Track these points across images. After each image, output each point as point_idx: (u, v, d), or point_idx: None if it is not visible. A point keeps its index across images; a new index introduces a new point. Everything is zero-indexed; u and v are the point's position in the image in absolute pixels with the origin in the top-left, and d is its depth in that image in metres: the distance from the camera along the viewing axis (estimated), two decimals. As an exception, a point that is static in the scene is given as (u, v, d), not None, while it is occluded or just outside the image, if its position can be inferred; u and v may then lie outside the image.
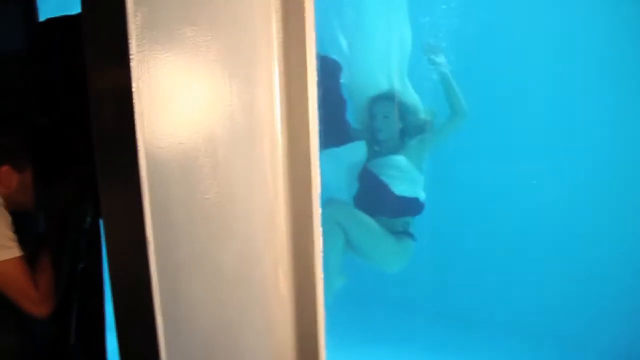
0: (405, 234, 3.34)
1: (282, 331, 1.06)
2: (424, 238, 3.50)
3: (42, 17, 1.96)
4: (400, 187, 3.27)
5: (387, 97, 3.27)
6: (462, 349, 4.48)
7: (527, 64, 5.03)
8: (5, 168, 1.50)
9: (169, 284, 0.86)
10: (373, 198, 3.38)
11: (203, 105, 0.91)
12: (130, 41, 0.80)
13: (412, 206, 3.33)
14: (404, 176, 3.25)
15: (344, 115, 3.46)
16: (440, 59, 3.06)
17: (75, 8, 1.57)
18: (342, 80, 3.37)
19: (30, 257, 1.48)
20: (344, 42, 3.46)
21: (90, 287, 1.75)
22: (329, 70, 3.34)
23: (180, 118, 0.88)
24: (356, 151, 3.38)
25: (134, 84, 0.81)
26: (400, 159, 3.23)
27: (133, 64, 0.80)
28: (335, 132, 3.40)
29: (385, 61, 3.41)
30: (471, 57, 4.41)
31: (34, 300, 1.45)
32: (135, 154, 0.81)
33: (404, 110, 3.25)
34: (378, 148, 3.34)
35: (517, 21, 5.06)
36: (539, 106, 5.07)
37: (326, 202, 3.44)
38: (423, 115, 3.30)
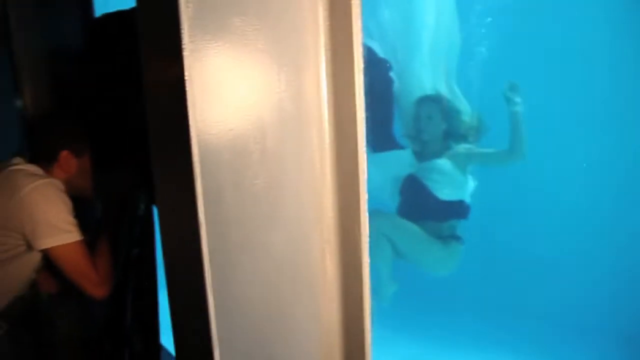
0: (452, 237, 3.31)
1: (328, 313, 1.08)
2: (473, 239, 3.46)
3: (98, 13, 2.06)
4: (444, 191, 3.22)
5: (433, 99, 3.23)
6: (511, 347, 4.42)
7: (577, 69, 4.93)
8: (65, 153, 1.58)
9: (220, 265, 0.89)
10: (417, 204, 3.36)
11: (252, 93, 0.93)
12: (182, 32, 0.83)
13: (457, 210, 3.29)
14: (448, 180, 3.20)
15: (391, 119, 3.45)
16: (518, 98, 2.97)
17: (128, 4, 1.64)
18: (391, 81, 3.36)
19: (88, 242, 1.55)
20: (390, 42, 3.43)
21: (144, 271, 1.83)
22: (378, 70, 3.34)
23: (230, 106, 0.91)
24: (401, 160, 3.36)
25: (186, 74, 0.84)
26: (443, 163, 3.18)
27: (185, 54, 0.83)
28: (381, 136, 3.40)
29: (433, 62, 3.38)
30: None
31: (94, 282, 1.53)
32: (188, 140, 0.84)
33: (449, 113, 3.21)
34: (421, 150, 3.30)
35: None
36: (588, 107, 4.96)
37: (370, 214, 3.44)
38: (468, 119, 3.24)
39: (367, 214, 1.02)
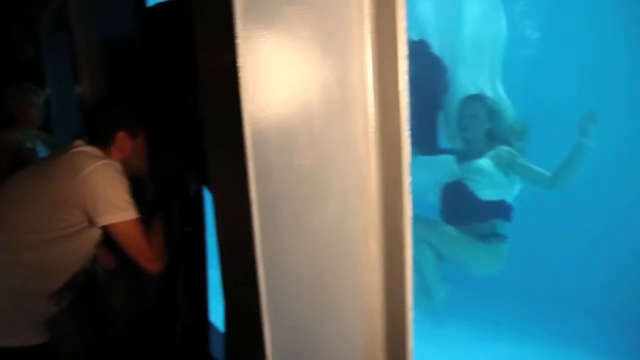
0: (494, 236, 3.26)
1: (370, 291, 1.12)
2: (517, 237, 3.42)
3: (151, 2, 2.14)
4: (486, 192, 3.17)
5: (478, 98, 3.19)
6: (558, 341, 4.38)
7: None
8: (121, 134, 1.67)
9: (269, 241, 0.95)
10: (459, 206, 3.33)
11: (300, 79, 0.98)
12: (236, 21, 0.88)
13: (499, 210, 3.24)
14: (489, 181, 3.14)
15: (435, 123, 3.43)
16: (591, 131, 2.89)
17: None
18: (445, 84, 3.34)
19: (143, 220, 1.64)
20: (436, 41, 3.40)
21: (195, 249, 1.92)
22: (433, 69, 3.32)
23: (279, 90, 0.96)
24: (444, 165, 3.34)
25: (239, 60, 0.89)
26: (485, 163, 3.12)
27: (239, 42, 0.88)
28: (425, 140, 3.39)
29: (477, 62, 3.33)
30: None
31: (149, 257, 1.62)
32: (240, 123, 0.90)
33: (494, 113, 3.16)
34: (464, 149, 3.26)
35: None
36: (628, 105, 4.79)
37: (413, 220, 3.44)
38: (511, 121, 3.19)
39: (410, 195, 1.05)
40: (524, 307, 4.76)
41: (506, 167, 3.10)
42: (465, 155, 3.24)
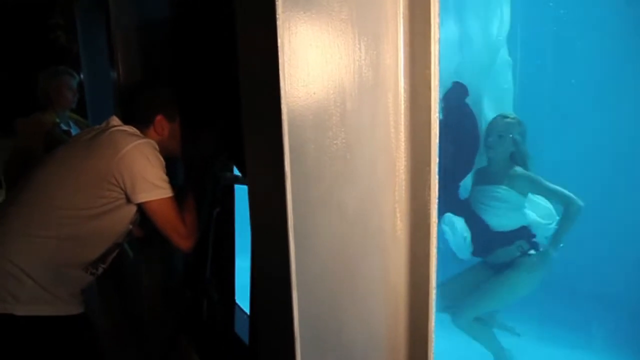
0: (526, 254, 3.11)
1: (396, 271, 1.15)
2: None
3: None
4: (503, 219, 3.12)
5: (505, 117, 3.15)
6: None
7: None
8: (159, 117, 1.74)
9: (301, 216, 0.99)
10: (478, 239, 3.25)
11: (334, 60, 1.01)
12: (276, 3, 0.92)
13: (522, 235, 3.16)
14: (508, 207, 3.08)
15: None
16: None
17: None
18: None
19: (176, 200, 1.70)
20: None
21: (224, 229, 1.97)
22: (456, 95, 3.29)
23: (314, 71, 0.99)
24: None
25: (279, 41, 0.93)
26: (500, 190, 3.07)
27: (279, 23, 0.92)
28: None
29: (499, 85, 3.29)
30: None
31: (182, 234, 1.68)
32: (278, 102, 0.93)
33: (520, 135, 3.07)
34: (485, 169, 3.19)
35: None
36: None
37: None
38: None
39: (437, 178, 1.08)
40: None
41: (529, 189, 3.06)
42: (483, 177, 3.20)
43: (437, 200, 1.08)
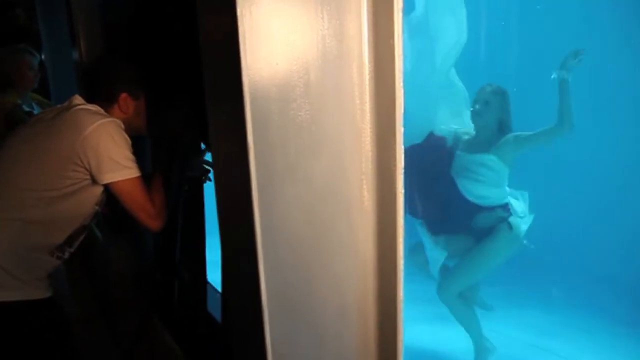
0: (504, 221, 3.17)
1: (364, 241, 1.16)
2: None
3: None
4: (485, 191, 3.16)
5: (491, 85, 3.14)
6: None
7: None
8: (124, 95, 1.69)
9: (265, 188, 0.98)
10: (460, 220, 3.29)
11: (297, 31, 1.00)
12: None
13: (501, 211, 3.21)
14: (492, 177, 3.12)
15: None
16: (572, 66, 2.88)
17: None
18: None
19: (144, 178, 1.67)
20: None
21: (193, 207, 1.95)
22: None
23: (277, 42, 0.98)
24: None
25: (238, 11, 0.91)
26: (492, 158, 3.09)
27: (237, -11, 0.90)
28: None
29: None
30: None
31: (151, 214, 1.65)
32: (239, 73, 0.92)
33: (508, 103, 3.11)
34: (473, 137, 3.21)
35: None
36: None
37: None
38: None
39: (402, 148, 1.08)
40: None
41: (515, 149, 3.09)
42: (470, 146, 3.21)
43: (402, 171, 1.09)
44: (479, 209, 3.20)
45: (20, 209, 1.56)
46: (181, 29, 1.69)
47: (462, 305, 3.34)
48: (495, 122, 3.10)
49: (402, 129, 1.06)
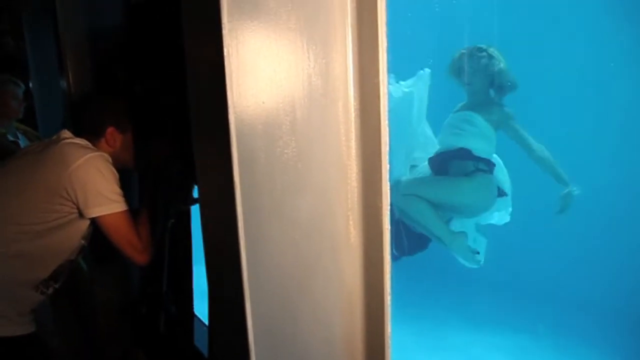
0: (479, 170, 3.23)
1: (351, 277, 1.16)
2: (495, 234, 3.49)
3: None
4: (471, 143, 3.22)
5: (479, 50, 3.20)
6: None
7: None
8: (110, 129, 1.69)
9: (252, 225, 0.98)
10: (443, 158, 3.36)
11: (283, 69, 1.01)
12: (222, 12, 0.91)
13: (482, 161, 3.26)
14: (474, 131, 3.19)
15: None
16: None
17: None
18: None
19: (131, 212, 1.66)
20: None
21: (180, 240, 1.94)
22: None
23: (263, 80, 0.99)
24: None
25: (225, 51, 0.92)
26: (475, 115, 3.18)
27: (224, 32, 0.91)
28: None
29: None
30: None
31: (138, 248, 1.63)
32: (225, 111, 0.93)
33: (496, 68, 3.15)
34: (469, 101, 3.29)
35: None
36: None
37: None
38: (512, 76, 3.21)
39: (388, 185, 1.09)
40: (502, 298, 4.89)
41: (500, 124, 3.16)
42: (463, 107, 3.30)
43: (389, 207, 1.09)
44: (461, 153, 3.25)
45: (6, 243, 1.54)
46: (170, 62, 1.71)
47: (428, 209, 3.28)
48: (483, 85, 3.17)
49: (387, 166, 1.07)
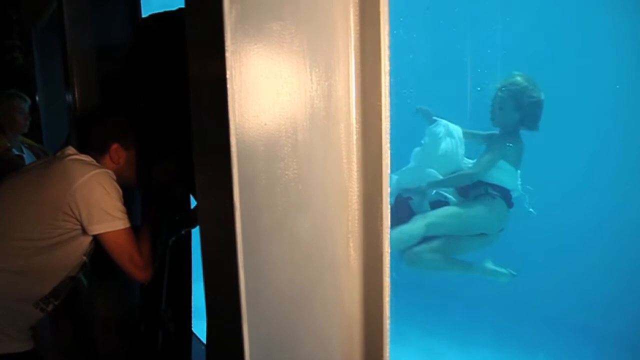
0: (487, 194, 3.41)
1: (350, 299, 1.15)
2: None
3: (145, 13, 2.18)
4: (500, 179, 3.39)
5: (506, 86, 3.30)
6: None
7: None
8: (115, 146, 1.70)
9: (251, 247, 0.98)
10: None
11: (285, 91, 1.01)
12: (225, 34, 0.92)
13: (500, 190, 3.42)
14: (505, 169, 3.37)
15: None
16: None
17: (174, 6, 1.75)
18: None
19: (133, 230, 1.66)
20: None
21: (180, 259, 1.93)
22: None
23: (265, 102, 0.99)
24: None
25: (227, 72, 0.93)
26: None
27: (227, 55, 0.92)
28: None
29: None
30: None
31: (139, 266, 1.62)
32: (227, 132, 0.93)
33: (527, 98, 3.26)
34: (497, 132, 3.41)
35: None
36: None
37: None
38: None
39: (389, 207, 1.08)
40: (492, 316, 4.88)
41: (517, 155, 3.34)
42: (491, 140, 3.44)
43: (389, 230, 1.09)
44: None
45: (8, 259, 1.54)
46: (175, 80, 1.72)
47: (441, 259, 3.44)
48: (513, 122, 3.30)
49: (388, 189, 1.07)
